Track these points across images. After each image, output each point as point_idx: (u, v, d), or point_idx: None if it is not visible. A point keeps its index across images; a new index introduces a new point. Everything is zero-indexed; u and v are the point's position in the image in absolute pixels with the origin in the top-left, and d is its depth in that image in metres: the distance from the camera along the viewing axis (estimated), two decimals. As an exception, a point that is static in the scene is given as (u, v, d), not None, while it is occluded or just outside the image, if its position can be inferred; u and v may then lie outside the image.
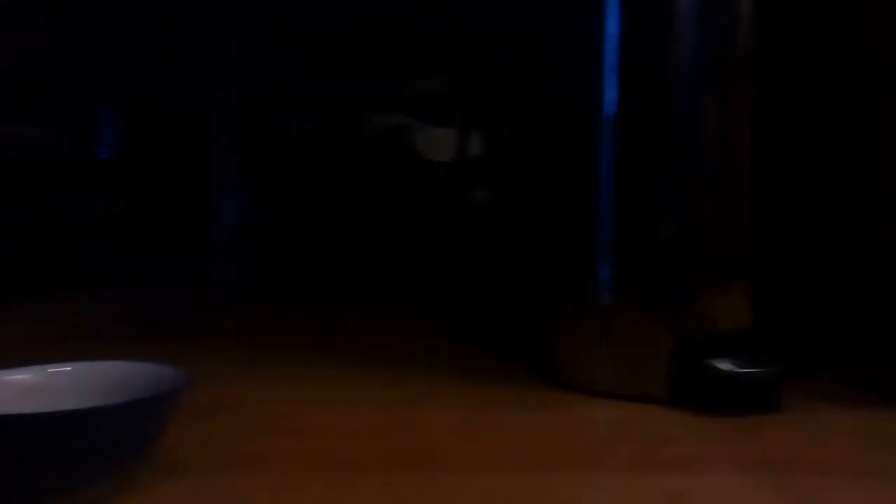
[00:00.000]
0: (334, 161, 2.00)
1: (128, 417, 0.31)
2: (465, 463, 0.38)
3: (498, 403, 0.50)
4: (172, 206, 2.11)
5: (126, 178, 1.88)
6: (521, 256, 0.62)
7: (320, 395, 0.51)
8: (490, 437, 0.43)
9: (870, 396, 0.51)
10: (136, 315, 0.92)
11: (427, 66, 1.61)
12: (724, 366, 0.46)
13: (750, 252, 0.50)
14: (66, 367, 0.37)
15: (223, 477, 0.36)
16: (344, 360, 0.62)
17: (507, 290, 0.68)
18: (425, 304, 1.01)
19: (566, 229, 0.53)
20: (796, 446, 0.41)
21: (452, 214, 1.17)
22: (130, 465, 0.33)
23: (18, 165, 1.26)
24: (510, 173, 0.70)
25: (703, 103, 0.49)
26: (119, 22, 1.69)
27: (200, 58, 2.09)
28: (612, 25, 0.49)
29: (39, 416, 0.30)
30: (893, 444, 0.42)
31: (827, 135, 0.58)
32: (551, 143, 0.55)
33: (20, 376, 0.35)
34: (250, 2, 1.77)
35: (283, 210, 2.16)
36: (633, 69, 0.49)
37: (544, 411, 0.48)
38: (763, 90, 0.51)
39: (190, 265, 1.65)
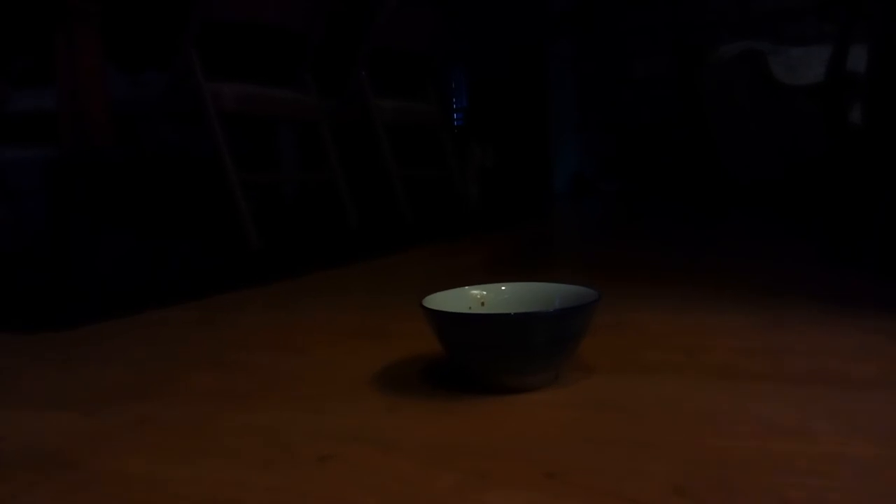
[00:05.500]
0: (679, 103, 1.94)
1: (559, 321, 0.40)
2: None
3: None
4: (523, 162, 2.31)
5: (489, 139, 2.12)
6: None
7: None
8: None
9: None
10: (514, 253, 1.08)
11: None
12: None
13: None
14: (503, 286, 0.47)
15: (624, 379, 0.43)
16: (718, 296, 0.66)
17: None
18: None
19: None
20: None
21: (823, 146, 1.07)
22: (558, 363, 0.42)
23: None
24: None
25: None
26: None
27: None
28: None
29: (495, 316, 0.41)
30: None
31: None
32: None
33: (477, 291, 0.47)
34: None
35: (627, 154, 2.18)
36: None
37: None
38: None
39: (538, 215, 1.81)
